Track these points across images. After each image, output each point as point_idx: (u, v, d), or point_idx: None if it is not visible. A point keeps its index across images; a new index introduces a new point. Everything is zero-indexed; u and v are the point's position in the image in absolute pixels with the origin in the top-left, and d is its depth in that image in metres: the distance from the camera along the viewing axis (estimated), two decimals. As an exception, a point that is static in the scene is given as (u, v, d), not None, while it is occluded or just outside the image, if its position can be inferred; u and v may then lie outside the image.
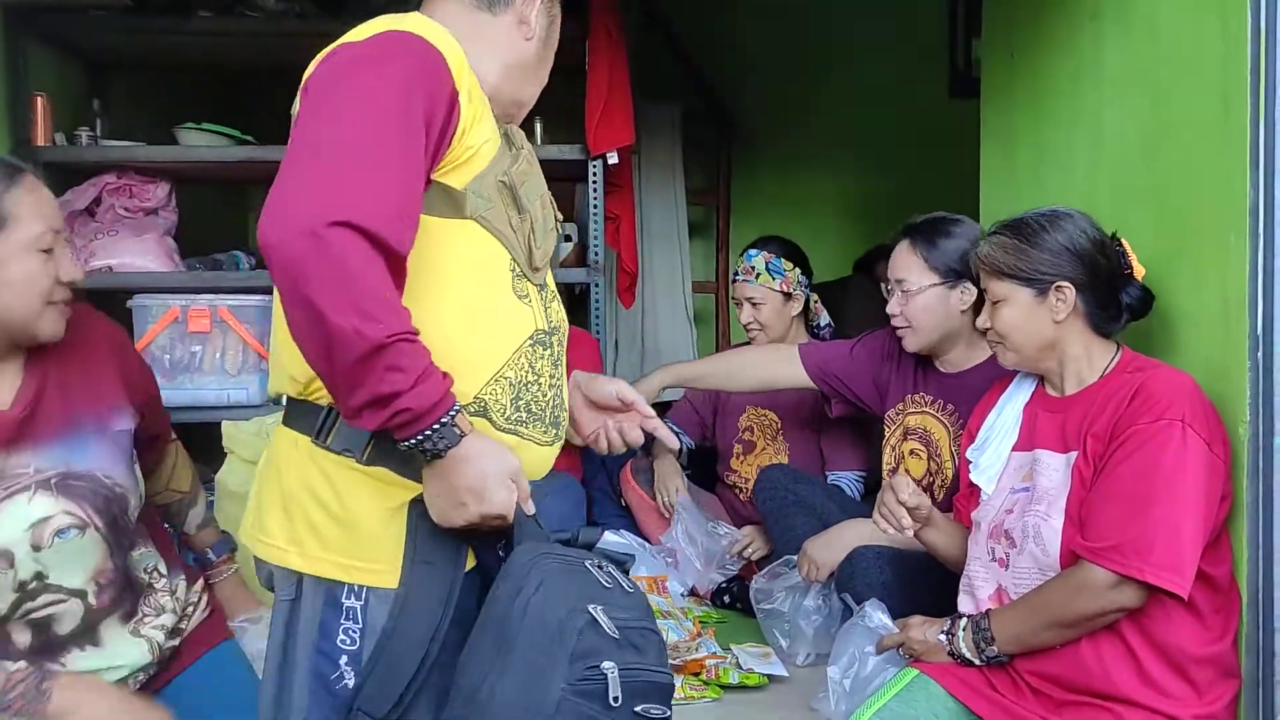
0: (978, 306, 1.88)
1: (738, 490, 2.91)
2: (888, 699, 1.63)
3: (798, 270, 2.82)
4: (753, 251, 2.84)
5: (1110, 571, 1.49)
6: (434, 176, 1.19)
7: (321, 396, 1.21)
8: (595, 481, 3.00)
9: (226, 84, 3.86)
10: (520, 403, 1.25)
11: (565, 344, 1.37)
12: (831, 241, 4.72)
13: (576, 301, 4.33)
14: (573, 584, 1.18)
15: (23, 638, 1.45)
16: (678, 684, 2.18)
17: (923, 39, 4.63)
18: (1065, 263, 1.64)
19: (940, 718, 1.62)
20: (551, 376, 1.30)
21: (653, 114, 4.20)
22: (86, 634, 1.50)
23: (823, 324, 2.93)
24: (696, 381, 2.70)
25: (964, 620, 1.67)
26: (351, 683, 1.19)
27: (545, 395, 1.29)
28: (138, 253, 3.04)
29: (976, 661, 1.65)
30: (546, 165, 3.56)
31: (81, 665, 1.49)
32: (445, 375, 1.12)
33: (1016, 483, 1.70)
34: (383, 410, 1.09)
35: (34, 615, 1.45)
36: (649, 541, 2.81)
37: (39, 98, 2.97)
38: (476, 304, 1.23)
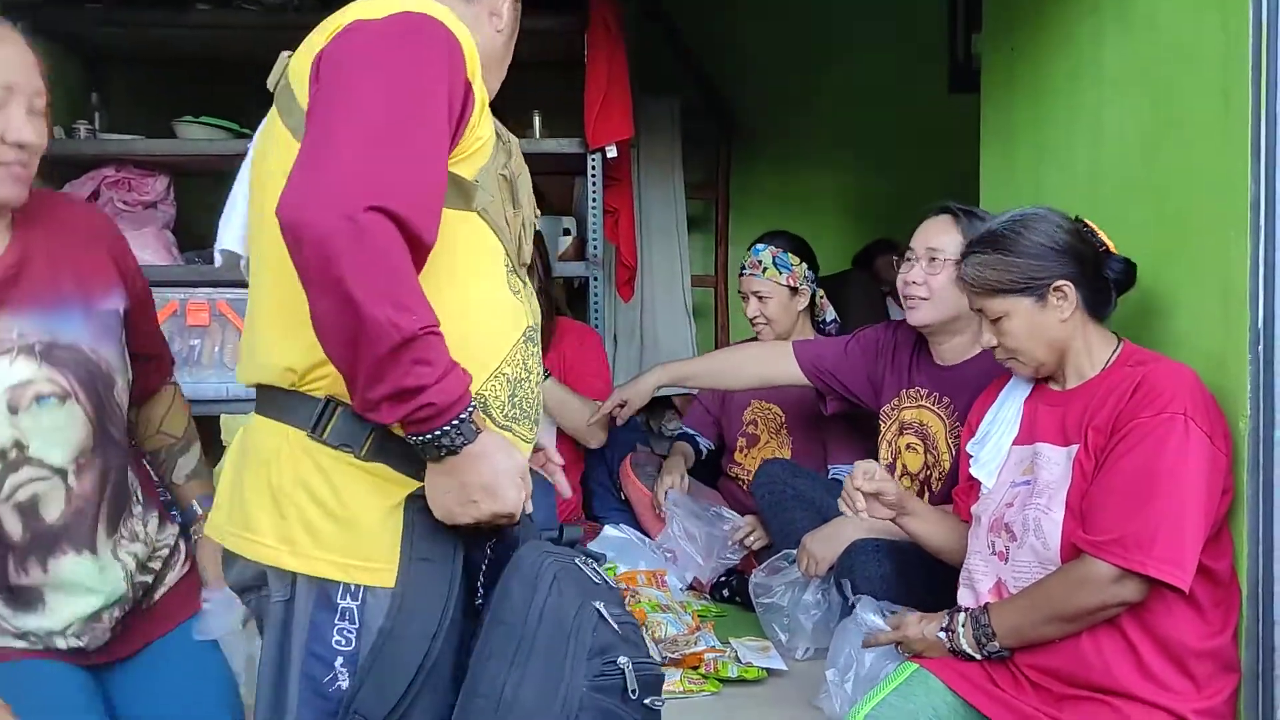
0: None
1: (740, 482, 2.92)
2: (887, 693, 1.63)
3: (804, 265, 2.83)
4: (760, 246, 2.85)
5: (1112, 565, 1.49)
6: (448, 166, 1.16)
7: (318, 388, 1.17)
8: (595, 475, 3.01)
9: (225, 77, 3.84)
10: (516, 399, 1.24)
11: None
12: (830, 236, 4.72)
13: (576, 295, 4.34)
14: (574, 582, 1.18)
15: (14, 526, 1.41)
16: (677, 677, 2.18)
17: (922, 33, 4.63)
18: (1052, 262, 1.63)
19: (940, 712, 1.62)
20: (537, 373, 1.29)
21: (652, 108, 4.20)
22: (77, 531, 1.44)
23: (829, 319, 2.94)
24: (692, 379, 2.70)
25: (963, 615, 1.67)
26: (346, 684, 1.15)
27: (534, 393, 1.28)
28: (137, 246, 2.99)
29: (977, 657, 1.65)
30: (545, 159, 3.60)
31: (71, 575, 1.44)
32: (465, 372, 1.10)
33: (1017, 476, 1.70)
34: (405, 404, 1.05)
35: (19, 497, 1.40)
36: (648, 535, 2.81)
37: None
38: (481, 298, 1.21)
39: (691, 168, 4.59)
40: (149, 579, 1.56)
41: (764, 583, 2.39)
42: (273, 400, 1.21)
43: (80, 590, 1.46)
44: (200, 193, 3.62)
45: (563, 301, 4.37)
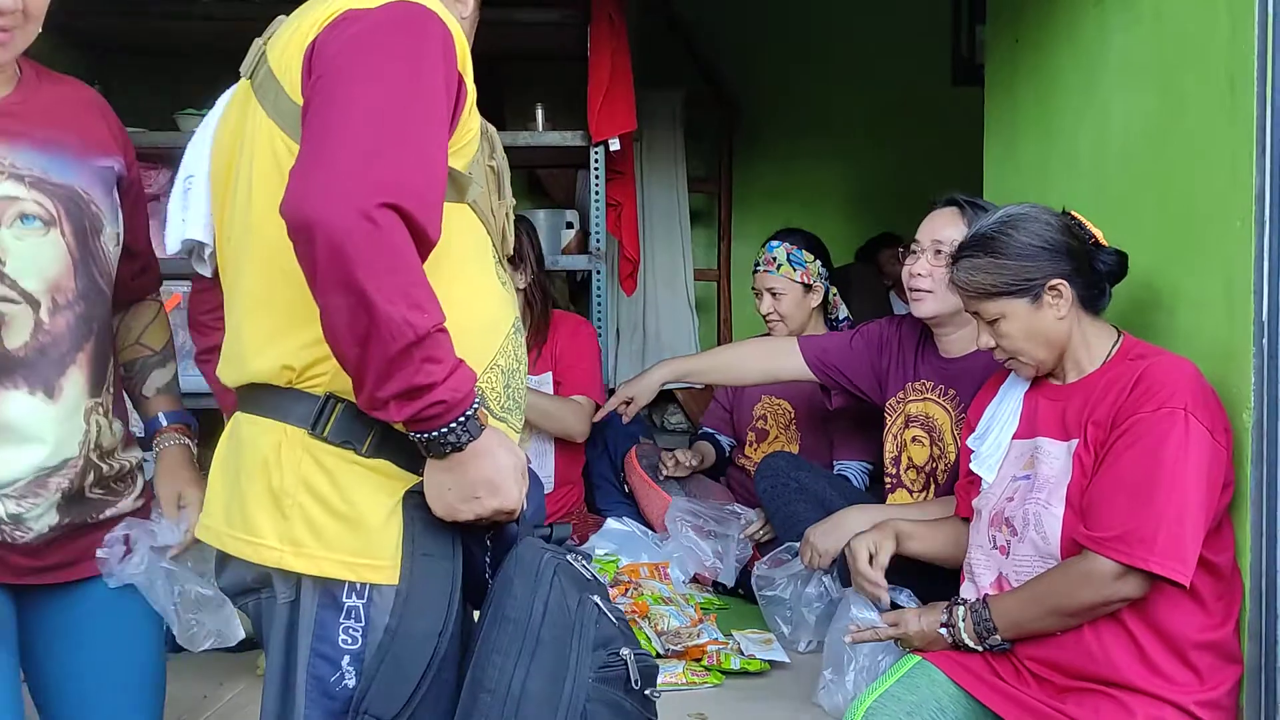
0: None
1: (749, 474, 2.92)
2: (890, 684, 1.63)
3: (818, 262, 2.84)
4: (774, 243, 2.86)
5: (1114, 562, 1.49)
6: None
7: (317, 385, 1.15)
8: (598, 468, 3.01)
9: (228, 69, 3.85)
10: (510, 390, 1.24)
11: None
12: (833, 230, 4.70)
13: (578, 289, 4.34)
14: (571, 577, 1.19)
15: None
16: (679, 669, 2.19)
17: (926, 26, 4.62)
18: (1045, 261, 1.63)
19: (942, 703, 1.62)
20: (525, 364, 1.29)
21: (655, 101, 4.19)
22: (37, 369, 1.34)
23: (841, 317, 2.95)
24: (696, 375, 2.70)
25: (962, 609, 1.67)
26: (353, 683, 1.13)
27: (523, 383, 1.28)
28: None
29: (979, 649, 1.65)
30: (548, 152, 3.59)
31: (17, 415, 1.33)
32: (470, 369, 1.09)
33: (1017, 470, 1.70)
34: (414, 402, 1.04)
35: None
36: (651, 527, 2.82)
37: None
38: (475, 290, 1.20)
39: (694, 161, 4.59)
40: (102, 491, 1.43)
41: (766, 575, 2.39)
42: (267, 399, 1.18)
43: (24, 438, 1.34)
44: (203, 185, 3.62)
45: (565, 295, 4.37)
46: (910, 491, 2.34)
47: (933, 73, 4.60)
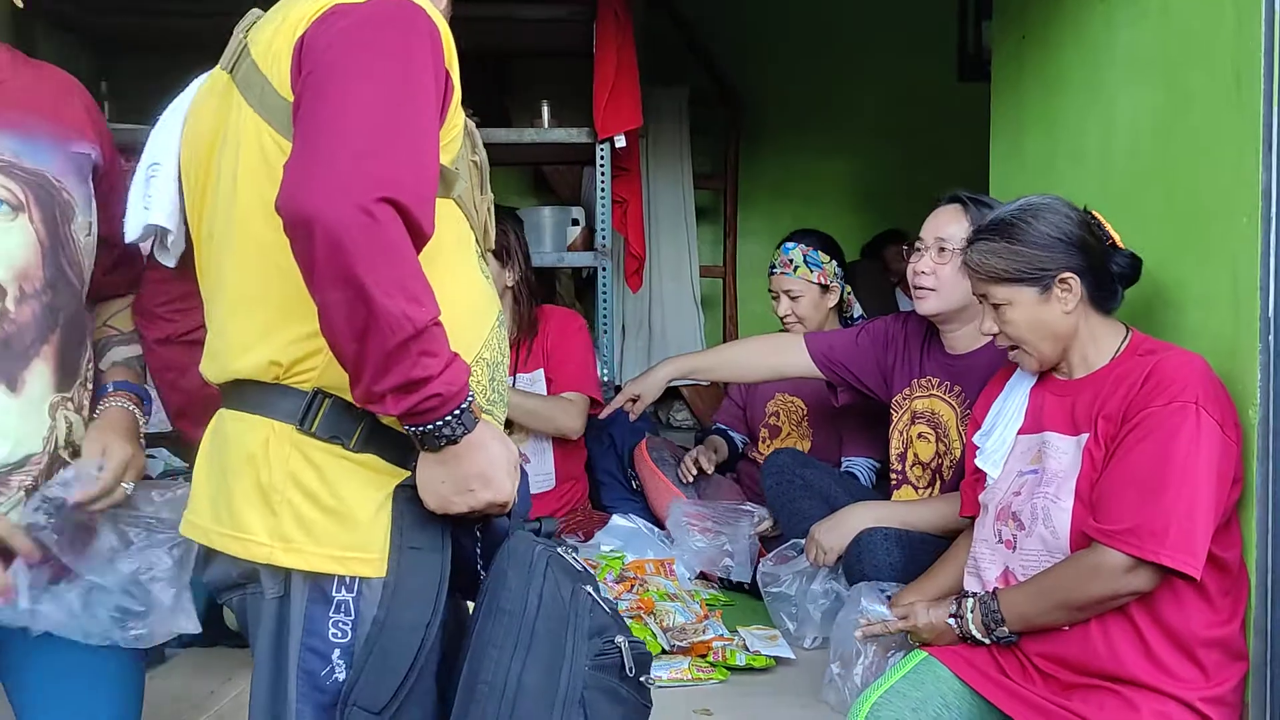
0: None
1: (759, 465, 2.92)
2: (895, 680, 1.64)
3: (834, 262, 2.85)
4: (789, 244, 2.86)
5: (1125, 555, 1.49)
6: None
7: (305, 381, 1.15)
8: (604, 464, 3.01)
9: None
10: (495, 383, 1.24)
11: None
12: (838, 227, 4.68)
13: (584, 285, 4.34)
14: (562, 568, 1.20)
15: None
16: (685, 665, 2.19)
17: (932, 22, 4.61)
18: (1060, 253, 1.63)
19: (947, 700, 1.62)
20: (508, 356, 1.30)
21: (660, 98, 4.20)
22: (0, 357, 1.30)
23: (856, 316, 2.95)
24: (702, 373, 2.71)
25: (970, 601, 1.67)
26: (343, 676, 1.14)
27: (505, 376, 1.28)
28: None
29: (986, 641, 1.65)
30: (554, 148, 3.59)
31: None
32: (463, 361, 1.09)
33: (1024, 465, 1.70)
34: (411, 395, 1.04)
35: None
36: (658, 524, 2.82)
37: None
38: (462, 284, 1.21)
39: (700, 157, 4.59)
40: (67, 456, 1.36)
41: (772, 572, 2.39)
42: (254, 395, 1.17)
43: None
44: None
45: (570, 291, 4.38)
46: (915, 488, 2.34)
47: (939, 69, 4.59)
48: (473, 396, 1.09)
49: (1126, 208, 1.83)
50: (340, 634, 1.14)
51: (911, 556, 2.08)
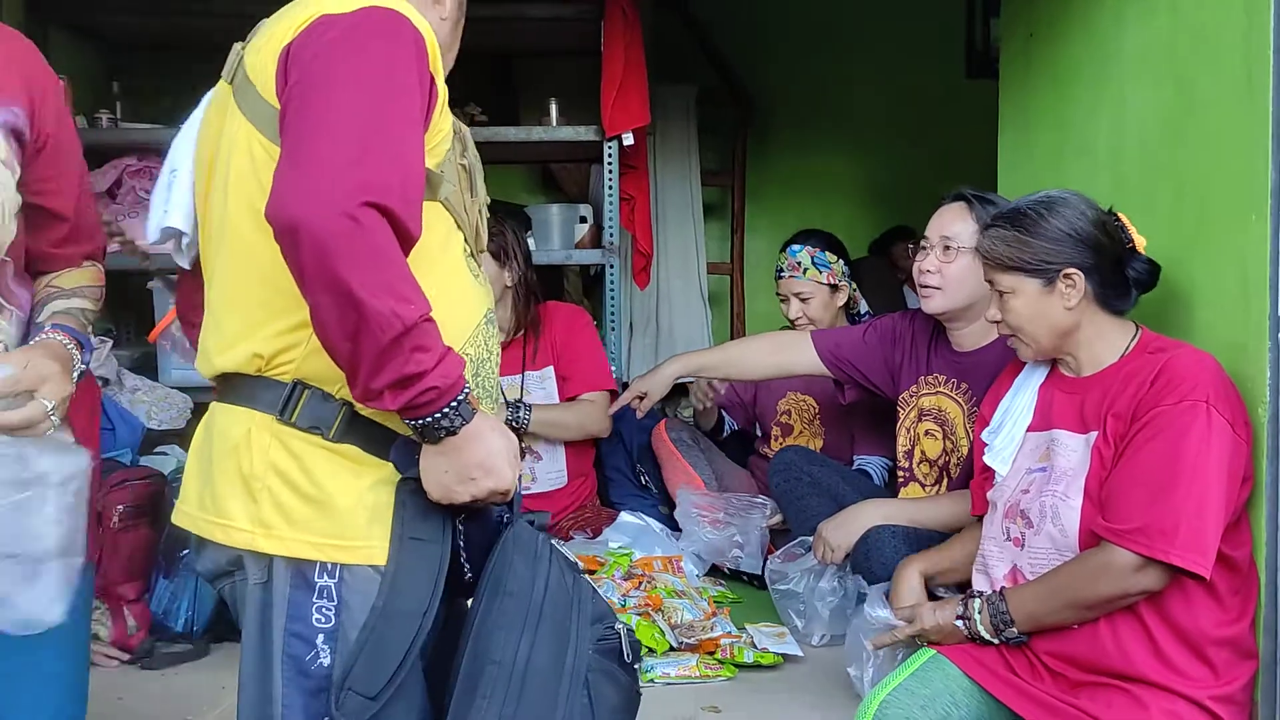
0: None
1: (770, 460, 2.93)
2: (903, 678, 1.64)
3: (841, 261, 2.86)
4: (795, 247, 2.86)
5: (1134, 554, 1.49)
6: None
7: (284, 373, 1.18)
8: (612, 461, 3.02)
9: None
10: (478, 379, 1.27)
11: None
12: (846, 223, 4.69)
13: (592, 283, 4.34)
14: (562, 557, 1.26)
15: None
16: (693, 662, 2.20)
17: (940, 19, 4.60)
18: (1068, 249, 1.63)
19: (956, 697, 1.62)
20: (497, 354, 1.33)
21: (668, 95, 4.19)
22: None
23: (862, 312, 2.96)
24: (709, 370, 2.71)
25: (978, 601, 1.67)
26: (328, 660, 1.17)
27: (494, 373, 1.32)
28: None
29: (995, 641, 1.65)
30: (562, 146, 3.59)
31: None
32: (458, 354, 1.13)
33: (1032, 463, 1.70)
34: (407, 390, 1.08)
35: None
36: (667, 512, 2.82)
37: (59, 81, 2.98)
38: (446, 283, 1.23)
39: (708, 155, 4.58)
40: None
41: (780, 569, 2.40)
42: (238, 387, 1.21)
43: None
44: (219, 181, 3.65)
45: (578, 289, 4.38)
46: (923, 485, 2.34)
47: (947, 65, 4.58)
48: (469, 388, 1.13)
49: (1136, 206, 1.82)
50: (324, 619, 1.17)
51: (919, 552, 2.08)
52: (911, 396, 2.36)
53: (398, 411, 1.11)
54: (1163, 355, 1.58)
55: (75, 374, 1.29)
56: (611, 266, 3.30)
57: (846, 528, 2.24)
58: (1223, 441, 1.49)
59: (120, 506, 2.31)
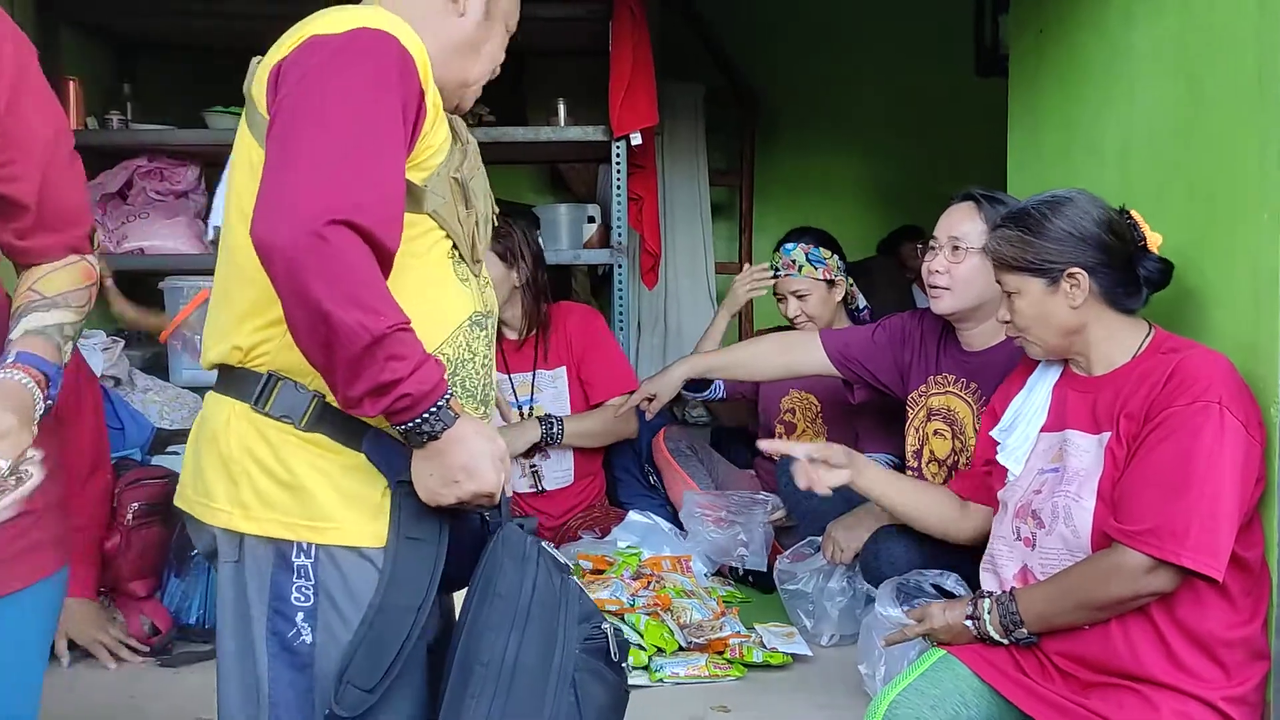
0: None
1: (775, 462, 2.92)
2: (913, 678, 1.63)
3: (835, 257, 2.85)
4: (789, 245, 2.86)
5: (1146, 555, 1.48)
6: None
7: (261, 364, 1.26)
8: (620, 461, 3.02)
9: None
10: (456, 379, 1.30)
11: (493, 328, 1.41)
12: (855, 223, 4.70)
13: (600, 283, 4.35)
14: (550, 558, 1.30)
15: None
16: (702, 662, 2.20)
17: (949, 17, 4.59)
18: (1072, 249, 1.62)
19: (966, 698, 1.62)
20: (485, 356, 1.36)
21: (676, 95, 4.19)
22: None
23: (861, 306, 2.96)
24: (718, 372, 2.71)
25: (987, 601, 1.67)
26: (309, 639, 1.23)
27: (479, 373, 1.34)
28: (168, 235, 3.08)
29: (1004, 642, 1.65)
30: (570, 146, 3.59)
31: None
32: (438, 362, 1.18)
33: (1045, 463, 1.70)
34: (384, 398, 1.13)
35: None
36: (676, 516, 2.82)
37: (70, 82, 3.00)
38: (423, 287, 1.27)
39: (715, 154, 4.58)
40: None
41: (789, 569, 2.40)
42: (224, 377, 1.29)
43: None
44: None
45: (586, 289, 4.39)
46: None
47: (956, 64, 4.56)
48: (451, 394, 1.18)
49: (1146, 204, 1.81)
50: (303, 598, 1.23)
51: (927, 556, 2.08)
52: (920, 396, 2.36)
53: (384, 417, 1.16)
54: (1175, 355, 1.58)
55: (37, 416, 1.18)
56: (619, 266, 3.30)
57: (857, 528, 2.24)
58: (1235, 442, 1.49)
59: (135, 504, 2.35)
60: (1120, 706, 1.52)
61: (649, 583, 2.43)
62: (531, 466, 2.85)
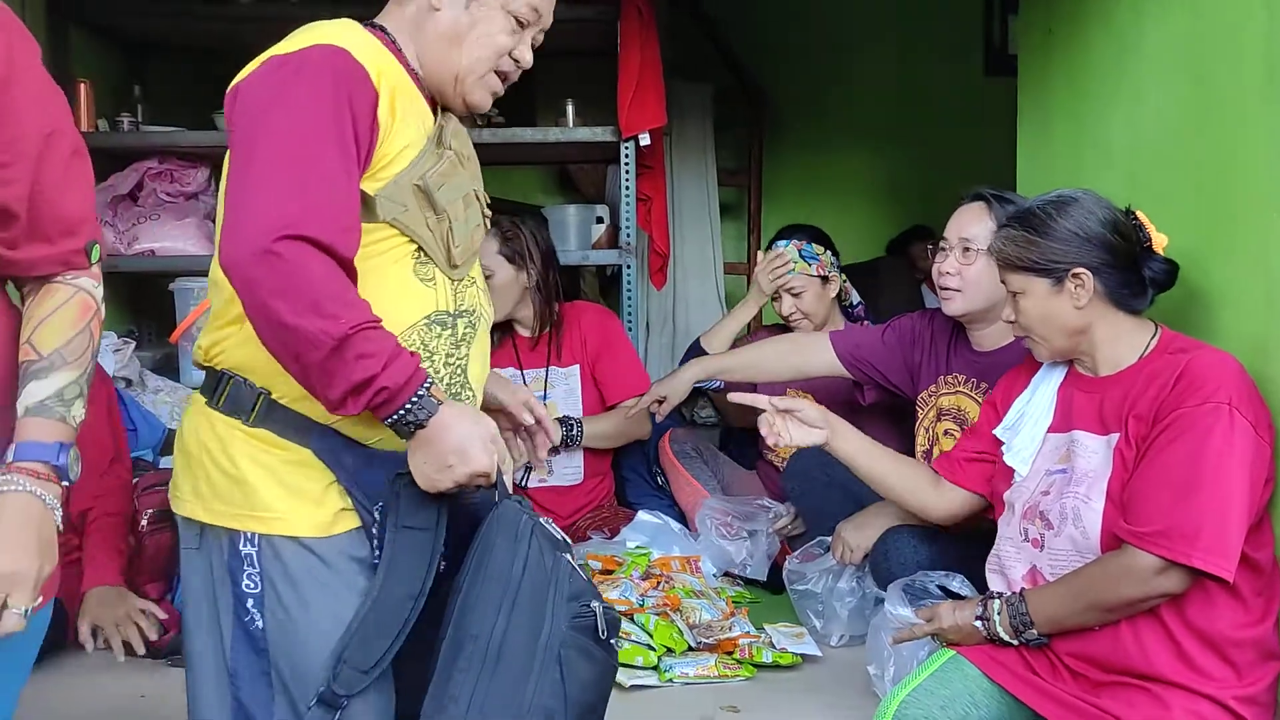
0: None
1: (777, 469, 2.92)
2: (923, 679, 1.63)
3: (829, 253, 2.85)
4: (781, 242, 2.86)
5: (1156, 557, 1.48)
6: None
7: (220, 362, 1.32)
8: (629, 462, 3.02)
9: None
10: None
11: (482, 328, 1.41)
12: (864, 222, 4.69)
13: (609, 283, 4.35)
14: (545, 536, 1.32)
15: None
16: (711, 662, 2.20)
17: (958, 16, 4.57)
18: (1076, 249, 1.62)
19: (976, 698, 1.62)
20: (449, 355, 1.36)
21: (684, 95, 4.19)
22: None
23: (855, 302, 2.95)
24: (728, 374, 2.71)
25: (997, 602, 1.67)
26: (261, 624, 1.29)
27: (439, 372, 1.35)
28: (179, 236, 3.09)
29: (1014, 643, 1.64)
30: (578, 147, 3.59)
31: None
32: (413, 354, 1.22)
33: (1052, 464, 1.69)
34: (362, 395, 1.18)
35: None
36: (684, 517, 2.82)
37: (81, 84, 3.02)
38: (375, 288, 1.28)
39: (724, 154, 4.58)
40: None
41: (798, 569, 2.39)
42: (197, 376, 1.38)
43: None
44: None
45: (595, 289, 4.39)
46: (942, 485, 2.33)
47: (965, 63, 4.56)
48: (431, 382, 1.22)
49: (1155, 204, 1.81)
50: (253, 585, 1.29)
51: (937, 556, 2.07)
52: (931, 396, 2.35)
53: (371, 414, 1.20)
54: (1184, 356, 1.57)
55: (59, 524, 1.10)
56: (628, 267, 3.30)
57: (865, 528, 2.24)
58: (1245, 443, 1.48)
59: (150, 510, 2.40)
60: (1131, 705, 1.52)
61: (658, 583, 2.43)
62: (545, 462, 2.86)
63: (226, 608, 1.30)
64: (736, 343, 2.96)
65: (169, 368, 3.18)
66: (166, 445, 2.83)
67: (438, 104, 1.41)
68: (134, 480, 2.49)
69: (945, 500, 1.89)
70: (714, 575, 2.64)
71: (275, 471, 1.29)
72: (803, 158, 4.76)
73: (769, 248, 2.89)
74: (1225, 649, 1.51)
